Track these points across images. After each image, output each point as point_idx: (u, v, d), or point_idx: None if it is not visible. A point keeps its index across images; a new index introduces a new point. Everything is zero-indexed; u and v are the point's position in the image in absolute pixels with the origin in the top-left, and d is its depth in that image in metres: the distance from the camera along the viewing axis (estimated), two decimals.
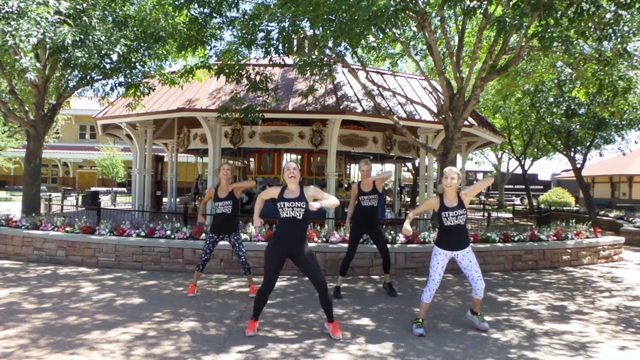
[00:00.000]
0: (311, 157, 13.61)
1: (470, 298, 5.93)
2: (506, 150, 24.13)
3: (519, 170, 22.89)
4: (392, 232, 7.67)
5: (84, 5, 7.52)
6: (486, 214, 12.11)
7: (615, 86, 8.01)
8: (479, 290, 4.59)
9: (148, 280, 6.60)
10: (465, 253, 4.59)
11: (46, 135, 10.22)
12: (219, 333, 4.48)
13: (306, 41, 8.20)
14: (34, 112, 9.50)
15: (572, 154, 15.29)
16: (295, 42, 8.31)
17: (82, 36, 6.78)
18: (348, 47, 8.39)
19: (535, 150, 21.48)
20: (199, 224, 7.24)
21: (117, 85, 8.66)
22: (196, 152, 15.07)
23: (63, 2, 6.89)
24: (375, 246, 6.46)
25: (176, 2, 7.61)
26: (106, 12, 7.92)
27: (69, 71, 9.32)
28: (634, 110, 12.22)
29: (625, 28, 6.94)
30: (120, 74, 8.47)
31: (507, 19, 5.67)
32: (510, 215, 16.47)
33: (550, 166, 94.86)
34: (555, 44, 6.37)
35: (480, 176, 33.90)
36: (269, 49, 7.53)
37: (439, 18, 8.26)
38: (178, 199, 16.50)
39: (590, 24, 6.79)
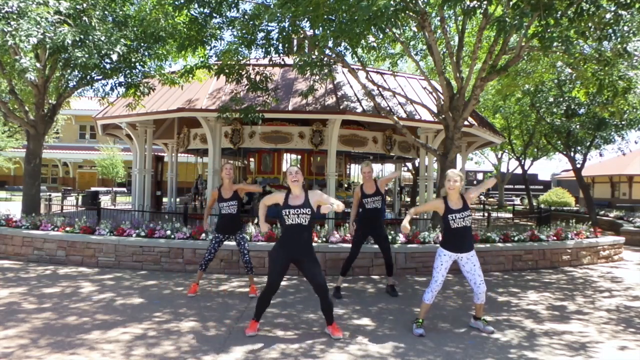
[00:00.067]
0: (311, 157, 13.61)
1: (470, 298, 5.95)
2: (506, 150, 24.13)
3: (519, 170, 22.90)
4: (392, 232, 7.67)
5: (84, 5, 7.52)
6: (486, 214, 12.10)
7: (615, 86, 8.01)
8: (481, 294, 4.59)
9: (148, 280, 6.60)
10: (470, 256, 4.58)
11: (46, 135, 10.22)
12: (219, 333, 4.48)
13: (306, 41, 8.20)
14: (34, 112, 9.50)
15: (572, 154, 15.29)
16: (295, 42, 8.31)
17: (82, 36, 6.78)
18: (348, 47, 8.39)
19: (535, 150, 21.48)
20: (205, 230, 7.30)
21: (117, 85, 8.66)
22: (196, 152, 15.07)
23: (63, 2, 6.89)
24: (375, 246, 6.46)
25: (176, 2, 7.61)
26: (106, 12, 7.92)
27: (69, 71, 9.32)
28: (634, 110, 12.23)
29: (625, 28, 6.93)
30: (120, 74, 8.47)
31: (507, 19, 5.67)
32: (510, 215, 16.48)
33: (550, 166, 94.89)
34: (555, 44, 6.37)
35: (480, 176, 33.90)
36: (269, 49, 7.53)
37: (439, 18, 8.25)
38: (178, 199, 16.50)
39: (590, 24, 6.79)
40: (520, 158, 21.22)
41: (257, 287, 5.98)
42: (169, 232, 7.61)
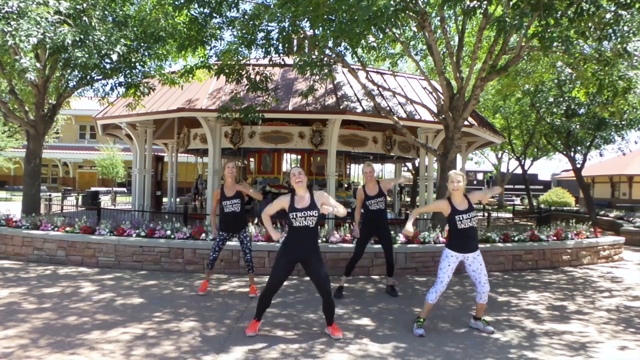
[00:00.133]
0: (311, 157, 13.61)
1: (470, 298, 5.95)
2: (506, 150, 24.12)
3: (519, 170, 22.88)
4: (392, 232, 7.66)
5: (84, 5, 7.52)
6: (486, 214, 12.11)
7: (615, 86, 8.01)
8: (484, 293, 4.59)
9: (148, 280, 6.60)
10: (476, 256, 4.59)
11: (46, 135, 10.21)
12: (219, 333, 4.48)
13: (306, 41, 8.20)
14: (34, 112, 9.50)
15: (572, 154, 15.29)
16: (295, 42, 8.31)
17: (82, 36, 6.78)
18: (348, 47, 8.39)
19: (535, 150, 21.48)
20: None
21: (117, 85, 8.65)
22: (196, 152, 15.07)
23: (63, 2, 6.89)
24: (376, 246, 6.46)
25: (176, 2, 7.61)
26: (106, 12, 7.92)
27: (69, 71, 9.32)
28: (634, 110, 12.22)
29: (625, 28, 6.93)
30: (120, 74, 8.46)
31: (507, 19, 5.67)
32: (510, 215, 16.48)
33: (550, 166, 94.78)
34: (555, 44, 6.37)
35: (480, 176, 33.93)
36: (269, 49, 7.53)
37: (439, 18, 8.26)
38: (178, 199, 16.50)
39: (590, 24, 6.79)
40: (520, 158, 21.22)
41: (257, 287, 5.98)
42: (169, 232, 7.61)
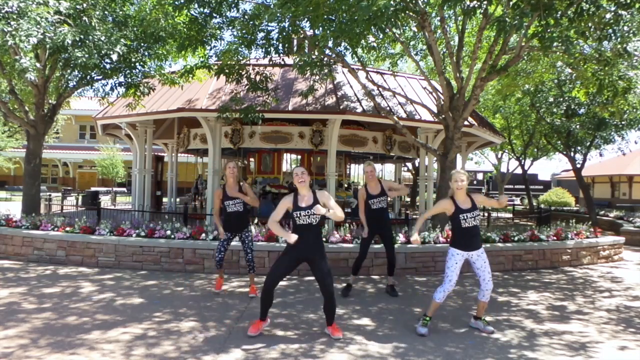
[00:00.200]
0: (311, 157, 13.62)
1: (470, 298, 5.96)
2: (506, 150, 24.09)
3: (519, 170, 22.86)
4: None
5: (84, 5, 7.52)
6: (486, 214, 12.11)
7: (615, 86, 8.01)
8: (487, 291, 4.60)
9: (148, 280, 6.60)
10: (480, 253, 4.61)
11: (46, 135, 10.21)
12: (219, 333, 4.48)
13: (306, 41, 8.20)
14: (34, 112, 9.50)
15: (572, 154, 15.29)
16: (295, 42, 8.31)
17: (82, 36, 6.78)
18: (348, 47, 8.38)
19: (535, 150, 21.46)
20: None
21: (117, 85, 8.65)
22: (196, 152, 15.07)
23: (63, 2, 6.89)
24: (376, 246, 6.46)
25: (176, 2, 7.61)
26: (106, 12, 7.92)
27: (69, 71, 9.32)
28: (634, 110, 12.22)
29: (625, 28, 6.93)
30: (120, 74, 8.46)
31: (507, 19, 5.67)
32: (510, 215, 16.47)
33: (550, 166, 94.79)
34: (555, 44, 6.37)
35: (480, 176, 33.94)
36: (269, 49, 7.53)
37: (439, 18, 8.25)
38: (178, 199, 16.50)
39: (590, 24, 6.78)
40: (520, 158, 21.21)
41: (257, 287, 5.97)
42: (169, 232, 7.61)
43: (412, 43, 10.57)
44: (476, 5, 6.18)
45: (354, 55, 9.28)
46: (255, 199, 5.95)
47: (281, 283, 6.51)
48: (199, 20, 7.92)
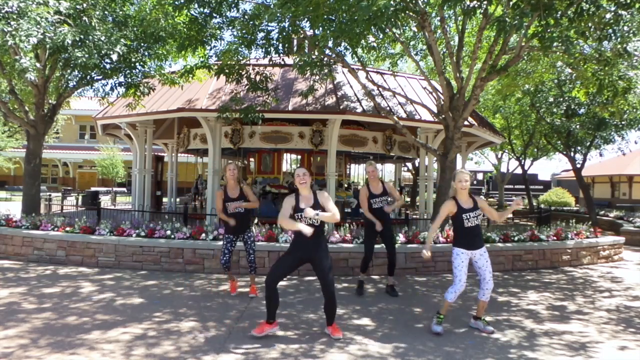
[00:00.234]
0: (311, 157, 13.61)
1: (471, 298, 5.96)
2: (506, 150, 24.10)
3: (519, 170, 22.87)
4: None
5: (84, 5, 7.52)
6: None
7: (615, 86, 8.01)
8: (487, 290, 4.61)
9: (148, 280, 6.60)
10: (482, 252, 4.64)
11: (46, 135, 10.21)
12: (219, 333, 4.48)
13: (306, 41, 8.19)
14: (34, 112, 9.50)
15: (572, 154, 15.28)
16: (295, 42, 8.31)
17: (82, 36, 6.78)
18: (348, 47, 8.38)
19: (535, 150, 21.46)
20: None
21: (117, 85, 8.66)
22: (196, 152, 15.07)
23: (63, 2, 6.89)
24: (376, 246, 6.43)
25: (176, 2, 7.61)
26: (106, 12, 7.92)
27: (69, 71, 9.32)
28: (634, 110, 12.21)
29: (625, 28, 6.93)
30: (120, 74, 8.47)
31: (507, 19, 5.67)
32: (510, 215, 16.45)
33: (550, 166, 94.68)
34: (555, 44, 6.37)
35: (480, 176, 33.92)
36: (269, 49, 7.53)
37: (439, 18, 8.25)
38: (178, 199, 16.51)
39: (590, 24, 6.78)
40: (520, 158, 21.21)
41: (257, 287, 5.98)
42: (169, 232, 7.61)
43: (412, 43, 10.57)
44: (476, 5, 6.18)
45: (354, 55, 9.28)
46: (256, 201, 5.96)
47: (281, 283, 6.50)
48: (199, 20, 7.92)
